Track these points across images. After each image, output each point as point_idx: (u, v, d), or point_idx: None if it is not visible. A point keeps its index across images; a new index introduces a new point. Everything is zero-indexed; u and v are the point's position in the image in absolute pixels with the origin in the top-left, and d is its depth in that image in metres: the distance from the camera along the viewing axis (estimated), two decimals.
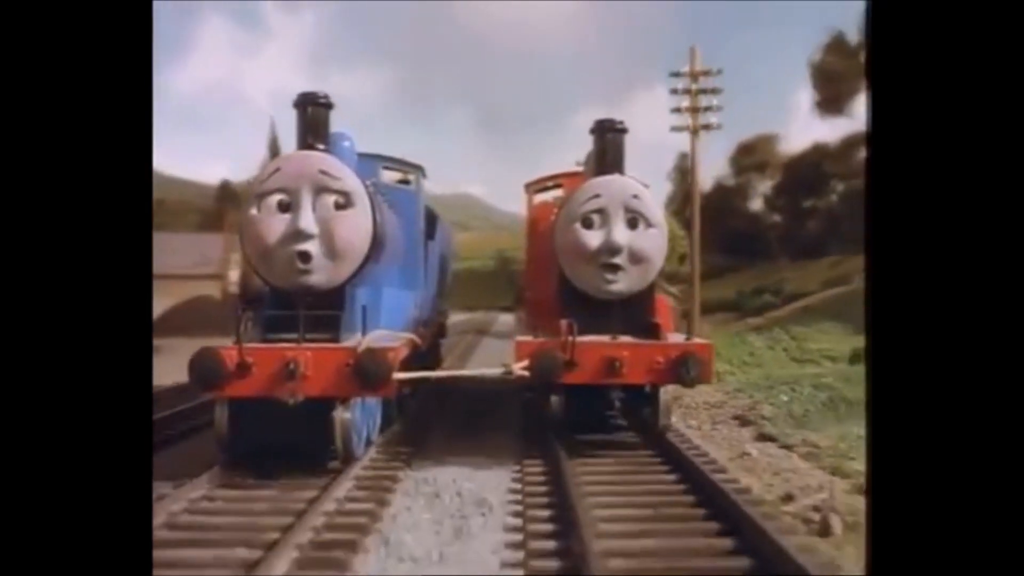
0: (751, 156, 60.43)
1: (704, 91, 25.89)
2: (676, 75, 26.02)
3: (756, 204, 61.49)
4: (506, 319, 42.89)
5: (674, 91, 25.99)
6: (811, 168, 54.31)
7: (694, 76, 25.90)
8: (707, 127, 25.99)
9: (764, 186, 60.98)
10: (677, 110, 25.96)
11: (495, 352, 24.77)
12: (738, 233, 55.69)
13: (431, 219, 14.00)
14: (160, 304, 32.52)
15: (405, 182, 12.90)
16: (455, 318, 33.46)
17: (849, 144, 51.14)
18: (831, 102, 47.37)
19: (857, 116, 46.86)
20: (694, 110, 25.83)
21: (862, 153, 48.97)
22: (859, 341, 20.00)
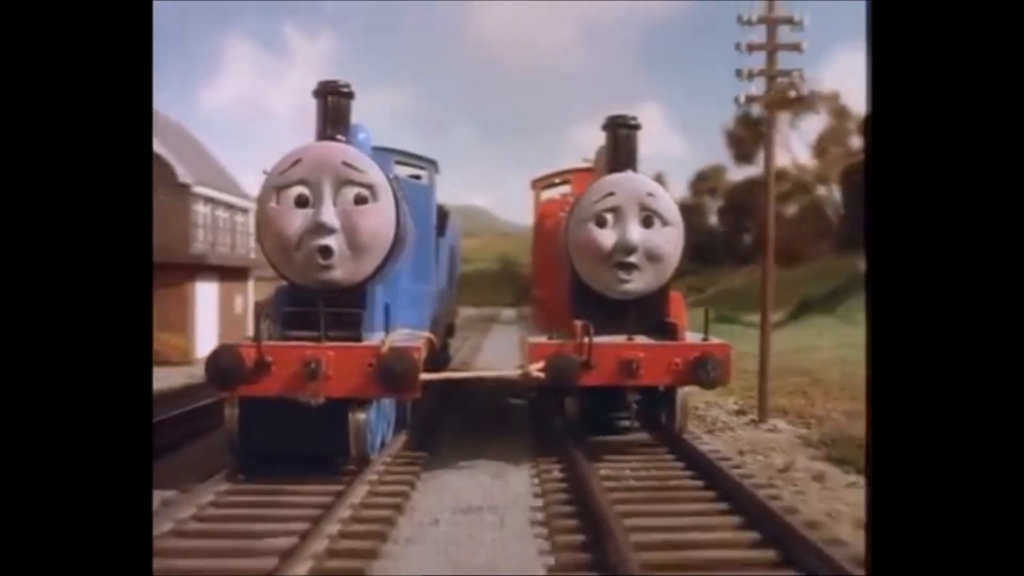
0: (705, 182, 73.94)
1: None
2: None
3: (711, 221, 74.50)
4: (508, 313, 55.25)
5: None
6: (745, 194, 66.41)
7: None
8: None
9: (715, 206, 74.51)
10: None
11: (502, 333, 36.18)
12: (697, 244, 69.27)
13: (442, 215, 13.64)
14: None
15: (417, 177, 12.50)
16: (468, 312, 42.57)
17: (776, 177, 63.57)
18: (739, 157, 67.49)
19: (759, 164, 61.62)
20: None
21: (785, 185, 62.09)
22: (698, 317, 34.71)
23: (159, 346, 20.17)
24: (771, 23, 13.05)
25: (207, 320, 24.77)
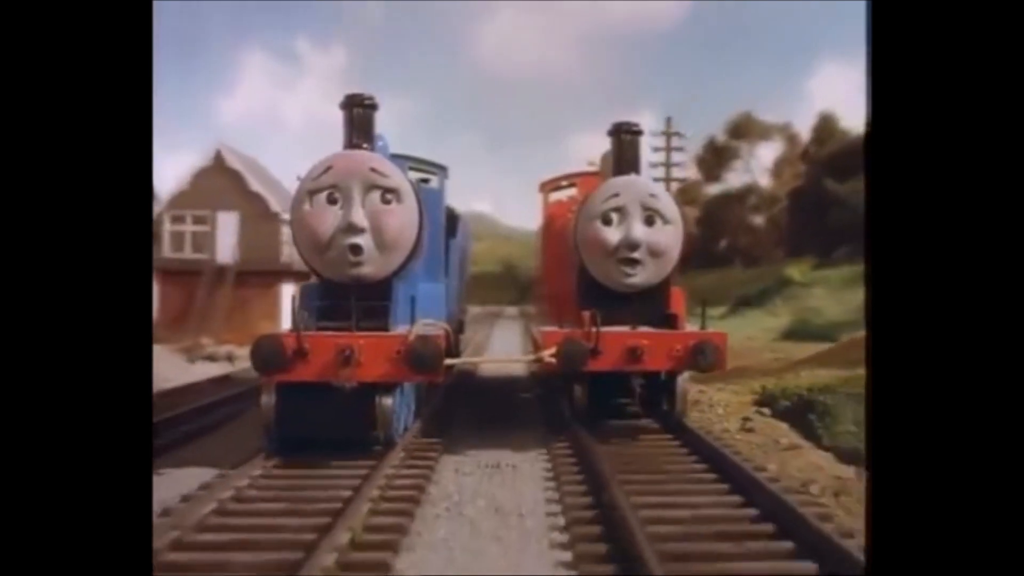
0: (684, 195, 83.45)
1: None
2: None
3: (690, 229, 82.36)
4: (511, 310, 63.14)
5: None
6: (719, 207, 76.15)
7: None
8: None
9: (693, 217, 79.80)
10: None
11: (506, 328, 42.54)
12: None
13: (452, 218, 14.26)
14: None
15: (427, 181, 13.01)
16: (475, 310, 47.20)
17: (746, 191, 77.87)
18: (707, 177, 78.69)
19: (726, 182, 77.83)
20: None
21: (752, 199, 76.04)
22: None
23: (259, 331, 23.23)
24: (668, 135, 27.37)
25: (289, 312, 29.82)
